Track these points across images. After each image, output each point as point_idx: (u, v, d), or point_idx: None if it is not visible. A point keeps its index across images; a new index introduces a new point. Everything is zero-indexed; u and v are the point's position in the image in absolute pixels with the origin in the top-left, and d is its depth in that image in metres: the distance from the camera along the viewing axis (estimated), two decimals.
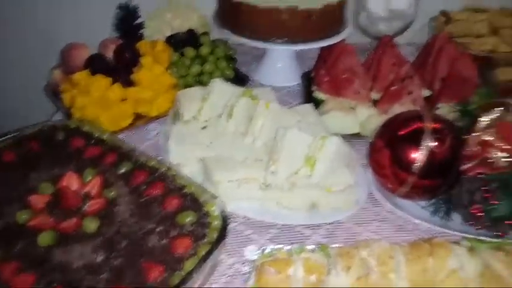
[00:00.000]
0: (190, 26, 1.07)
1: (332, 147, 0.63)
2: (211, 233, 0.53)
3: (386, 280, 0.51)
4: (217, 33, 1.01)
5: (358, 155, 0.75)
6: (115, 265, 0.49)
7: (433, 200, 0.63)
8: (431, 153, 0.58)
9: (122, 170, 0.63)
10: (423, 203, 0.65)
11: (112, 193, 0.58)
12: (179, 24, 1.09)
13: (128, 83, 0.90)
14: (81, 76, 0.87)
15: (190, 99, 0.76)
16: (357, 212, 0.65)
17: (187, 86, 0.92)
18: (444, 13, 1.18)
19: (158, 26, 1.09)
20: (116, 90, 0.86)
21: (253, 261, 0.55)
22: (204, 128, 0.74)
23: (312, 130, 0.67)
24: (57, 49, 0.99)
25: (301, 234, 0.63)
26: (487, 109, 0.55)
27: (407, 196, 0.63)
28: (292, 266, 0.51)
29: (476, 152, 0.53)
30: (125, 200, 0.58)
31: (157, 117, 0.90)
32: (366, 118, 0.86)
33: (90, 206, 0.56)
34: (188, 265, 0.49)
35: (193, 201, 0.57)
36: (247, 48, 1.06)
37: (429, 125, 0.59)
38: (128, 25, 1.12)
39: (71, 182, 0.59)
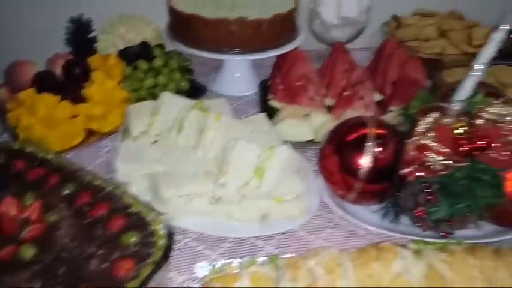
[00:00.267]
0: (145, 38, 1.06)
1: (280, 157, 0.63)
2: (157, 252, 0.52)
3: None
4: (171, 45, 1.00)
5: (312, 162, 0.76)
6: None
7: (383, 204, 0.64)
8: (375, 159, 0.59)
9: (66, 191, 0.61)
10: (374, 207, 0.66)
11: (54, 217, 0.56)
12: (134, 37, 1.07)
13: (78, 99, 0.87)
14: (27, 94, 0.84)
15: (139, 114, 0.74)
16: (310, 220, 0.66)
17: (141, 99, 0.91)
18: (395, 18, 1.21)
19: (111, 39, 1.07)
20: (65, 107, 0.83)
21: (203, 277, 0.55)
22: (155, 142, 0.73)
23: (264, 140, 0.67)
24: (2, 66, 0.96)
25: (254, 246, 0.63)
26: (426, 113, 0.57)
27: (356, 201, 0.63)
28: (239, 280, 0.51)
29: (414, 156, 0.54)
30: (67, 223, 0.55)
31: (110, 133, 0.88)
32: (320, 124, 0.87)
33: (28, 231, 0.53)
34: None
35: (138, 221, 0.56)
36: (205, 58, 1.06)
37: (372, 130, 0.60)
38: (81, 39, 1.10)
39: (9, 207, 0.56)
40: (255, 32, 0.87)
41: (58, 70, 0.92)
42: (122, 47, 1.02)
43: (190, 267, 0.59)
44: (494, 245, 0.59)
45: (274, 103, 0.92)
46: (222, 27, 0.85)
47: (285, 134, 0.84)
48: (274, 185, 0.62)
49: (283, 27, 0.92)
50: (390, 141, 0.59)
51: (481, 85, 0.73)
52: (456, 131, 0.53)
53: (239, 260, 0.58)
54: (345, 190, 0.62)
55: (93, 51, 1.05)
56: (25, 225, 0.55)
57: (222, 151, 0.66)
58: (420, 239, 0.58)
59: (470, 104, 0.56)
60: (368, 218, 0.65)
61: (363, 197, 0.62)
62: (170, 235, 0.52)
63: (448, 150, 0.53)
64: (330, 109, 0.92)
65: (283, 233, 0.64)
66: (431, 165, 0.53)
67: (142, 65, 0.94)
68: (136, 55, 0.96)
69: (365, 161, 0.59)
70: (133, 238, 0.53)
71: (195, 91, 1.01)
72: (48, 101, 0.82)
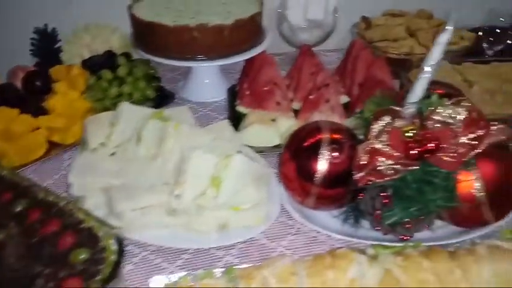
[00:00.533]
0: (111, 47, 1.05)
1: (236, 165, 0.62)
2: (106, 269, 0.50)
3: None
4: (136, 53, 0.99)
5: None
6: None
7: (344, 209, 0.64)
8: (331, 164, 0.58)
9: (18, 209, 0.59)
10: (335, 212, 0.65)
11: (1, 236, 0.55)
12: (100, 46, 1.05)
13: (40, 112, 0.86)
14: None
15: (97, 125, 0.73)
16: (271, 228, 0.65)
17: (106, 109, 0.89)
18: (364, 19, 1.22)
19: (76, 49, 1.06)
20: (24, 120, 0.82)
21: None
22: (113, 154, 0.72)
23: (223, 148, 0.66)
24: None
25: (214, 256, 0.62)
26: (379, 116, 0.56)
27: (315, 207, 0.63)
28: None
29: (365, 160, 0.54)
30: (15, 242, 0.54)
31: (73, 145, 0.86)
32: (287, 129, 0.86)
33: None
34: None
35: (90, 236, 0.54)
36: (174, 65, 1.05)
37: (327, 136, 0.60)
38: (47, 49, 1.08)
39: None
40: (217, 38, 0.86)
41: (19, 82, 0.91)
42: (88, 57, 1.01)
43: (146, 281, 0.57)
44: (454, 247, 0.59)
45: (241, 109, 0.91)
46: (183, 35, 0.84)
47: (251, 139, 0.83)
48: (231, 194, 0.61)
49: (247, 32, 0.91)
50: (346, 146, 0.59)
51: (439, 86, 0.74)
52: (406, 134, 0.53)
53: (197, 272, 0.57)
54: (303, 196, 0.61)
55: (59, 62, 1.04)
56: None
57: (180, 161, 0.65)
58: (379, 243, 0.58)
59: (421, 106, 0.56)
60: (329, 223, 0.64)
61: (322, 202, 0.61)
62: (120, 251, 0.51)
63: (398, 154, 0.53)
64: (297, 113, 0.91)
65: (243, 242, 0.63)
66: (382, 169, 0.52)
67: (106, 74, 0.92)
68: (99, 65, 0.95)
69: (320, 167, 0.58)
70: (82, 255, 0.52)
71: (162, 99, 1.00)
72: (6, 114, 0.80)
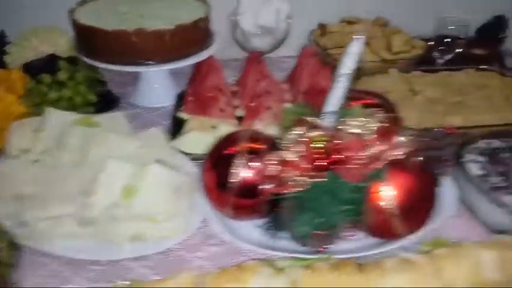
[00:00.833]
0: (57, 50, 1.03)
1: (153, 175, 0.61)
2: None
3: None
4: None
5: None
6: None
7: (265, 219, 0.62)
8: (246, 173, 0.57)
9: None
10: (258, 222, 0.64)
11: None
12: (47, 50, 1.03)
13: None
14: None
15: (21, 131, 0.71)
16: (190, 238, 0.63)
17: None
18: (321, 26, 1.21)
19: (22, 52, 1.03)
20: None
21: None
22: (36, 161, 0.70)
23: (145, 157, 0.65)
24: None
25: (127, 268, 0.60)
26: (294, 126, 0.55)
27: (235, 217, 0.61)
28: None
29: (274, 171, 0.53)
30: None
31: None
32: None
33: None
34: None
35: None
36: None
37: (244, 145, 0.58)
38: None
39: None
40: (158, 43, 0.84)
41: None
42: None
43: None
44: (374, 258, 0.58)
45: (182, 115, 0.90)
46: (121, 39, 0.83)
47: (188, 146, 0.82)
48: (147, 204, 0.60)
49: (190, 37, 0.89)
50: (263, 155, 0.58)
51: (369, 95, 0.73)
52: (314, 145, 0.52)
53: (106, 284, 0.55)
54: (222, 206, 0.60)
55: (3, 65, 1.02)
56: None
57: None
58: (296, 255, 0.57)
59: (336, 117, 0.55)
60: (252, 234, 0.63)
61: (240, 212, 0.60)
62: (10, 263, 0.50)
63: (306, 165, 0.52)
64: (241, 120, 0.90)
65: (160, 253, 0.62)
66: (289, 181, 0.51)
67: (45, 78, 0.90)
68: (40, 68, 0.93)
69: (235, 176, 0.57)
70: None
71: (107, 103, 0.98)
72: None
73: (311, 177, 0.51)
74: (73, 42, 0.96)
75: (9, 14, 1.13)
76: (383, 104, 0.69)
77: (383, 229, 0.57)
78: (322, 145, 0.51)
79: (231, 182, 0.56)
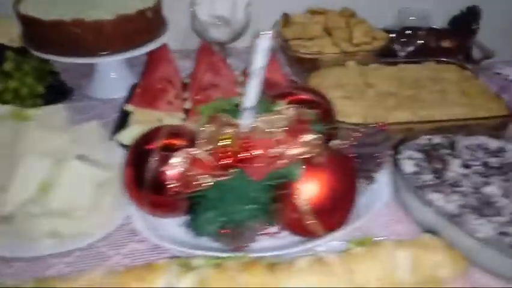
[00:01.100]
0: (10, 40, 1.01)
1: (72, 171, 0.60)
2: None
3: None
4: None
5: None
6: None
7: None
8: (160, 169, 0.56)
9: None
10: (180, 220, 0.63)
11: None
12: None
13: None
14: None
15: None
16: (112, 235, 0.63)
17: None
18: (285, 16, 1.19)
19: None
20: None
21: None
22: None
23: (68, 152, 0.64)
24: None
25: (47, 264, 0.59)
26: (208, 123, 0.54)
27: (154, 214, 0.60)
28: None
29: (180, 168, 0.51)
30: None
31: None
32: None
33: None
34: None
35: None
36: None
37: (162, 141, 0.57)
38: None
39: None
40: (99, 34, 0.83)
41: None
42: None
43: None
44: (291, 258, 0.57)
45: (128, 107, 0.88)
46: (60, 30, 0.81)
47: (130, 140, 0.80)
48: (64, 200, 0.59)
49: (137, 27, 0.87)
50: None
51: (304, 91, 0.71)
52: (221, 143, 0.51)
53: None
54: (139, 203, 0.59)
55: None
56: None
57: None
58: (211, 254, 0.56)
59: (252, 113, 0.54)
60: (175, 231, 0.62)
61: (157, 210, 0.59)
62: None
63: (214, 163, 0.50)
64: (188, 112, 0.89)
65: (82, 249, 0.61)
66: (194, 179, 0.50)
67: None
68: None
69: (149, 173, 0.56)
70: None
71: (57, 95, 0.97)
72: None
73: (217, 175, 0.50)
74: (20, 33, 0.94)
75: None
76: (317, 100, 0.67)
77: (299, 227, 0.56)
78: (229, 143, 0.50)
79: (146, 179, 0.55)
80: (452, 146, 0.73)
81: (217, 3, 1.03)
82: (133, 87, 0.99)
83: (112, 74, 1.03)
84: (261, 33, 0.50)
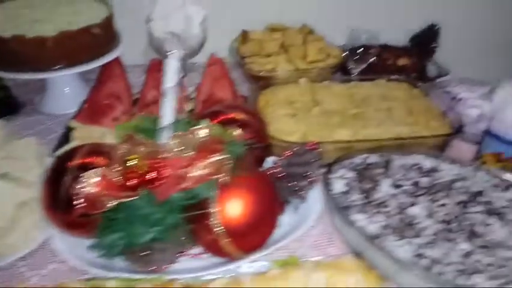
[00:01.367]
0: None
1: None
2: None
3: None
4: None
5: None
6: None
7: None
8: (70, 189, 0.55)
9: None
10: None
11: None
12: None
13: None
14: None
15: None
16: (33, 255, 0.62)
17: None
18: (243, 32, 1.20)
19: None
20: None
21: None
22: None
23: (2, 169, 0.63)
24: None
25: None
26: (123, 143, 0.54)
27: (70, 234, 0.59)
28: None
29: (86, 188, 0.51)
30: None
31: None
32: None
33: None
34: None
35: None
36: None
37: (78, 160, 0.57)
38: None
39: None
40: (40, 50, 0.83)
41: None
42: None
43: None
44: (207, 280, 0.56)
45: (72, 123, 0.88)
46: (1, 45, 0.81)
47: None
48: None
49: (81, 43, 0.87)
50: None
51: (235, 110, 0.71)
52: (129, 163, 0.50)
53: None
54: (54, 222, 0.58)
55: None
56: None
57: None
58: (127, 275, 0.55)
59: (168, 132, 0.54)
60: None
61: (71, 230, 0.57)
62: None
63: (121, 183, 0.50)
64: None
65: (1, 269, 0.60)
66: (101, 199, 0.50)
67: None
68: None
69: (61, 192, 0.55)
70: None
71: (6, 109, 0.97)
72: None
73: (123, 196, 0.49)
74: None
75: None
76: (248, 120, 0.67)
77: (215, 249, 0.55)
78: (136, 163, 0.50)
79: (59, 198, 0.55)
80: (386, 165, 0.73)
81: (172, 20, 1.04)
82: (84, 103, 0.99)
83: (66, 89, 1.03)
84: (168, 53, 0.50)
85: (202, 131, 0.52)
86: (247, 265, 0.61)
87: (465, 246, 0.58)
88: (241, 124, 0.66)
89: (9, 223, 0.60)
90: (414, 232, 0.59)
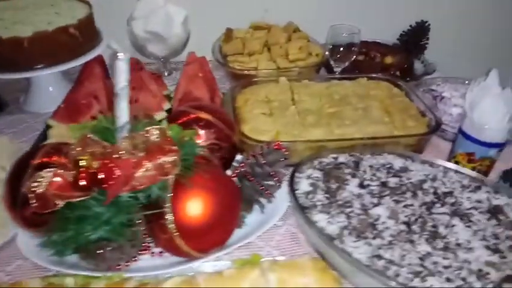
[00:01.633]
0: None
1: None
2: None
3: None
4: None
5: None
6: None
7: None
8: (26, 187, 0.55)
9: None
10: None
11: None
12: None
13: None
14: None
15: None
16: (2, 251, 0.63)
17: None
18: (228, 31, 1.19)
19: None
20: None
21: None
22: None
23: None
24: None
25: None
26: (77, 143, 0.54)
27: (30, 232, 0.59)
28: None
29: (37, 187, 0.51)
30: None
31: None
32: None
33: None
34: None
35: None
36: None
37: (38, 158, 0.57)
38: None
39: None
40: (17, 50, 0.84)
41: None
42: None
43: None
44: (162, 278, 0.56)
45: (50, 121, 0.89)
46: None
47: None
48: None
49: (58, 43, 0.88)
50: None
51: (203, 110, 0.71)
52: (80, 163, 0.51)
53: None
54: (14, 219, 0.58)
55: None
56: None
57: None
58: (78, 272, 0.56)
59: (122, 133, 0.54)
60: None
61: (29, 227, 0.58)
62: None
63: (72, 183, 0.50)
64: None
65: None
66: (52, 199, 0.50)
67: None
68: None
69: (20, 190, 0.56)
70: None
71: None
72: None
73: (73, 196, 0.50)
74: None
75: None
76: (213, 120, 0.67)
77: (172, 248, 0.55)
78: (86, 163, 0.50)
79: (18, 196, 0.55)
80: (356, 165, 0.73)
81: (153, 19, 1.04)
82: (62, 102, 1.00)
83: (50, 88, 1.05)
84: (118, 54, 0.50)
85: (155, 132, 0.52)
86: (210, 264, 0.61)
87: (425, 247, 0.57)
88: (205, 124, 0.66)
89: None
90: (375, 233, 0.59)
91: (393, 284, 0.52)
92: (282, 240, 0.67)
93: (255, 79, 1.03)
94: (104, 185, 0.49)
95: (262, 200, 0.69)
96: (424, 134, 0.81)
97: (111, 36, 1.08)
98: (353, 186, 0.68)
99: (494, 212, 0.63)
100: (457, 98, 1.01)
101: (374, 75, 1.02)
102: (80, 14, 0.97)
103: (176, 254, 0.57)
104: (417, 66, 1.21)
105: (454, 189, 0.68)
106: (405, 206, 0.64)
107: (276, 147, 0.67)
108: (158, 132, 0.51)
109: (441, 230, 0.60)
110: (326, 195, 0.65)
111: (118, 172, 0.49)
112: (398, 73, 1.13)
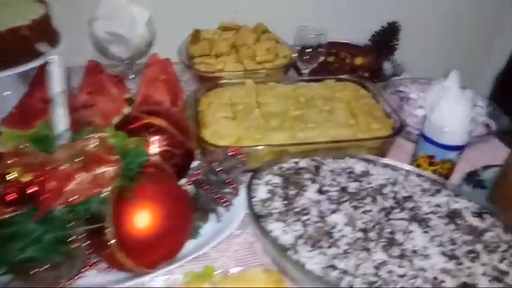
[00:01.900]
0: None
1: None
2: None
3: None
4: None
5: None
6: None
7: None
8: None
9: None
10: None
11: None
12: None
13: None
14: None
15: None
16: None
17: None
18: (195, 32, 1.17)
19: None
20: None
21: None
22: None
23: None
24: None
25: None
26: (8, 154, 0.51)
27: None
28: None
29: None
30: None
31: None
32: None
33: None
34: None
35: None
36: None
37: None
38: None
39: None
40: None
41: None
42: None
43: None
44: None
45: (2, 128, 0.85)
46: None
47: None
48: None
49: (10, 45, 0.84)
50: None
51: (147, 116, 0.68)
52: (9, 176, 0.48)
53: None
54: None
55: None
56: None
57: None
58: None
59: (60, 141, 0.51)
60: None
61: None
62: None
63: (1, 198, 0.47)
64: None
65: None
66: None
67: None
68: None
69: None
70: None
71: None
72: None
73: (4, 212, 0.46)
74: None
75: None
76: (165, 126, 0.64)
77: (115, 263, 0.52)
78: (15, 176, 0.47)
79: None
80: (316, 169, 0.71)
81: (115, 20, 1.00)
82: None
83: (7, 92, 1.00)
84: (48, 58, 0.47)
85: (93, 141, 0.49)
86: (161, 278, 0.59)
87: (380, 255, 0.55)
88: (157, 130, 0.63)
89: None
90: (331, 242, 0.57)
91: None
92: (239, 250, 0.65)
93: (222, 81, 1.01)
94: (37, 200, 0.46)
95: (219, 209, 0.66)
96: (387, 137, 0.80)
97: (71, 37, 1.07)
98: (311, 192, 0.66)
99: (453, 216, 0.62)
100: (423, 99, 1.00)
101: (341, 76, 1.00)
102: (34, 14, 0.93)
103: (121, 269, 0.54)
104: (387, 67, 1.20)
105: (413, 193, 0.66)
106: (363, 212, 0.62)
107: (233, 153, 0.65)
108: (97, 140, 0.48)
109: (399, 236, 0.58)
110: (284, 202, 0.63)
111: (50, 185, 0.46)
112: (366, 74, 1.13)
